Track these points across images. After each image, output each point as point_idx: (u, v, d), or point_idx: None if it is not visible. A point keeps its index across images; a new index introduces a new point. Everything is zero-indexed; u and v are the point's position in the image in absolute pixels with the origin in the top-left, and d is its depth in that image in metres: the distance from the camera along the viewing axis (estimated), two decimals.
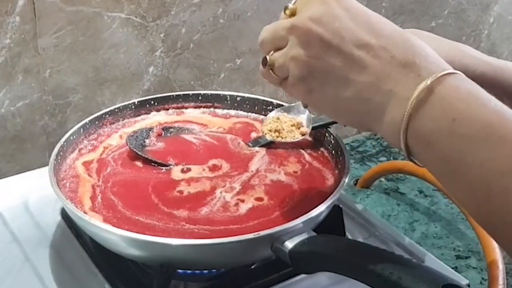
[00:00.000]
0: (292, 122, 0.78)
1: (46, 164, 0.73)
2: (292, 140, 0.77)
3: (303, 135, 0.77)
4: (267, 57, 0.57)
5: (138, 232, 0.61)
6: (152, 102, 0.87)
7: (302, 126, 0.78)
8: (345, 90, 0.52)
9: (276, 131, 0.77)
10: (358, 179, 1.09)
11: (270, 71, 0.57)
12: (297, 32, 0.54)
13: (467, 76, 0.60)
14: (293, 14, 0.55)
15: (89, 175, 0.73)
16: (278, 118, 0.79)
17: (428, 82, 0.48)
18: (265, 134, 0.77)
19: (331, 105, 0.55)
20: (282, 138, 0.77)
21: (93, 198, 0.69)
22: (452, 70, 0.50)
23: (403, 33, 0.53)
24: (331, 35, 0.52)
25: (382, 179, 1.11)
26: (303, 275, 0.69)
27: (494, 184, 0.45)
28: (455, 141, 0.47)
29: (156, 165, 0.75)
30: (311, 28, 0.53)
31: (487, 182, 0.45)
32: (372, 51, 0.51)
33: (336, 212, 0.69)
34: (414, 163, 0.52)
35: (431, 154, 0.49)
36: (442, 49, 0.60)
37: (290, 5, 0.56)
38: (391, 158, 1.23)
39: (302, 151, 0.79)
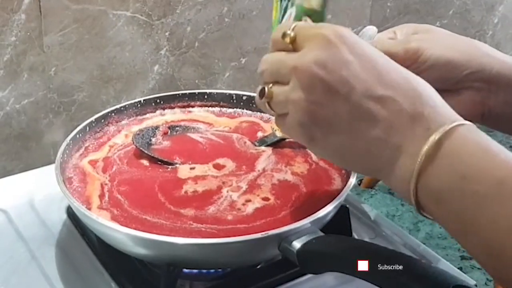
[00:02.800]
0: None
1: (50, 162, 0.73)
2: None
3: None
4: (266, 89, 0.53)
5: (145, 231, 0.61)
6: (158, 100, 0.87)
7: None
8: (352, 144, 0.50)
9: None
10: (362, 179, 1.09)
11: (267, 104, 0.53)
12: (300, 75, 0.50)
13: (483, 75, 0.60)
14: (293, 42, 0.52)
15: (97, 173, 0.73)
16: None
17: (437, 137, 0.46)
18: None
19: (335, 155, 0.52)
20: None
21: (101, 196, 0.69)
22: (460, 122, 0.48)
23: (411, 80, 0.50)
24: (339, 84, 0.48)
25: None
26: (309, 275, 0.69)
27: (508, 240, 0.43)
28: (466, 199, 0.45)
29: (162, 163, 0.75)
30: (316, 73, 0.49)
31: (501, 239, 0.44)
32: (381, 103, 0.48)
33: (343, 212, 0.69)
34: (426, 217, 0.50)
35: (443, 211, 0.47)
36: (459, 48, 0.60)
37: (289, 32, 0.52)
38: None
39: (309, 150, 0.78)
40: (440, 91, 0.57)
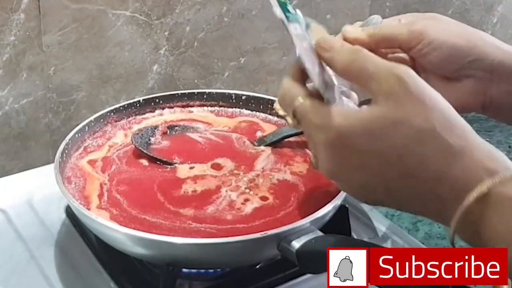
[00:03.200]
0: None
1: (49, 162, 0.73)
2: None
3: None
4: (312, 160, 0.56)
5: (144, 231, 0.61)
6: (157, 100, 0.86)
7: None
8: (402, 209, 0.50)
9: None
10: None
11: None
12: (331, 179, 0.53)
13: (486, 63, 0.58)
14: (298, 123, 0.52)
15: (96, 173, 0.73)
16: None
17: (460, 213, 0.45)
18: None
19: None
20: None
21: (100, 196, 0.68)
22: (480, 189, 0.44)
23: (417, 153, 0.46)
24: (361, 189, 0.50)
25: None
26: (308, 275, 0.69)
27: None
28: None
29: (161, 163, 0.75)
30: (338, 183, 0.52)
31: None
32: (404, 187, 0.47)
33: (342, 212, 0.69)
34: None
35: None
36: (464, 35, 0.58)
37: (291, 121, 0.52)
38: None
39: (308, 150, 0.78)
40: (441, 79, 0.56)
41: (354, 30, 0.61)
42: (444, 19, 0.61)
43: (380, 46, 0.60)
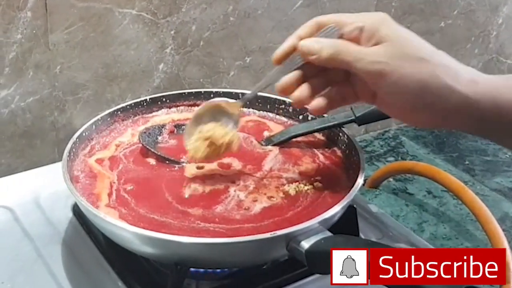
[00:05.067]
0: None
1: (55, 160, 0.72)
2: None
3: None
4: None
5: (153, 230, 0.60)
6: (164, 99, 0.86)
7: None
8: None
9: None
10: (366, 179, 1.09)
11: None
12: None
13: (438, 107, 0.57)
14: None
15: (106, 171, 0.73)
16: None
17: None
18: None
19: None
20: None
21: (109, 194, 0.68)
22: None
23: None
24: None
25: (390, 179, 1.11)
26: (316, 275, 0.69)
27: None
28: None
29: (169, 162, 0.75)
30: None
31: None
32: None
33: (350, 213, 0.69)
34: None
35: None
36: (416, 77, 0.56)
37: None
38: (399, 158, 1.23)
39: (316, 150, 0.78)
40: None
41: (311, 44, 0.61)
42: (403, 38, 0.59)
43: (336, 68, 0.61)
